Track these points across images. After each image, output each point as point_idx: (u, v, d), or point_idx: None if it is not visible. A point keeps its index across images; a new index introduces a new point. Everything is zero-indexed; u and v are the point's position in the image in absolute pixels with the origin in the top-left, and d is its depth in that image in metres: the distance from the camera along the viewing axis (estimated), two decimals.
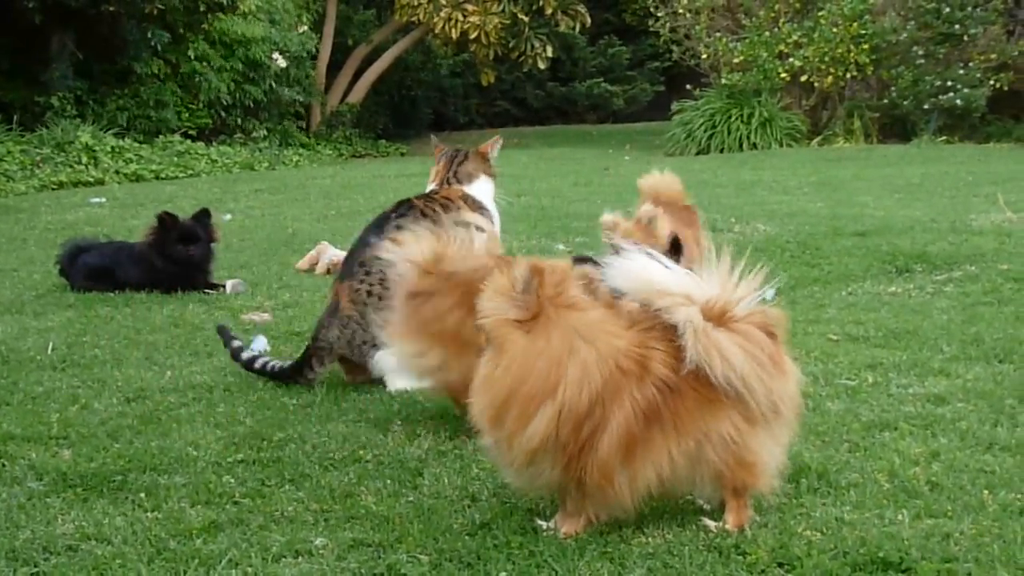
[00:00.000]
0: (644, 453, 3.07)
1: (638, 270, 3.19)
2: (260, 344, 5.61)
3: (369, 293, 4.81)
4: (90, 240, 7.87)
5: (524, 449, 3.04)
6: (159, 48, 18.14)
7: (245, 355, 5.07)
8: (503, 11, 22.12)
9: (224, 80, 18.96)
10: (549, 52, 23.24)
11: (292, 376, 4.87)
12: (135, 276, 7.24)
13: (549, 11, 22.47)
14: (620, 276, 3.20)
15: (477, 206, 5.25)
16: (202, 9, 18.53)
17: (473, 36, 22.12)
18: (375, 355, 4.77)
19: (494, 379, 3.07)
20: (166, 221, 7.27)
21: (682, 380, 3.08)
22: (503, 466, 3.21)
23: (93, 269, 7.33)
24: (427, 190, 5.43)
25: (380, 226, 5.04)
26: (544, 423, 3.00)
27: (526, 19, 22.54)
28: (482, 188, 5.37)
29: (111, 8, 16.55)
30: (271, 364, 4.96)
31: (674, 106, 19.79)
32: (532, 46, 22.96)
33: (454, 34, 22.19)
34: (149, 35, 17.93)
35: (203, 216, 7.38)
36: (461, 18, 21.88)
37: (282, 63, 19.96)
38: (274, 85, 20.00)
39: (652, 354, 3.09)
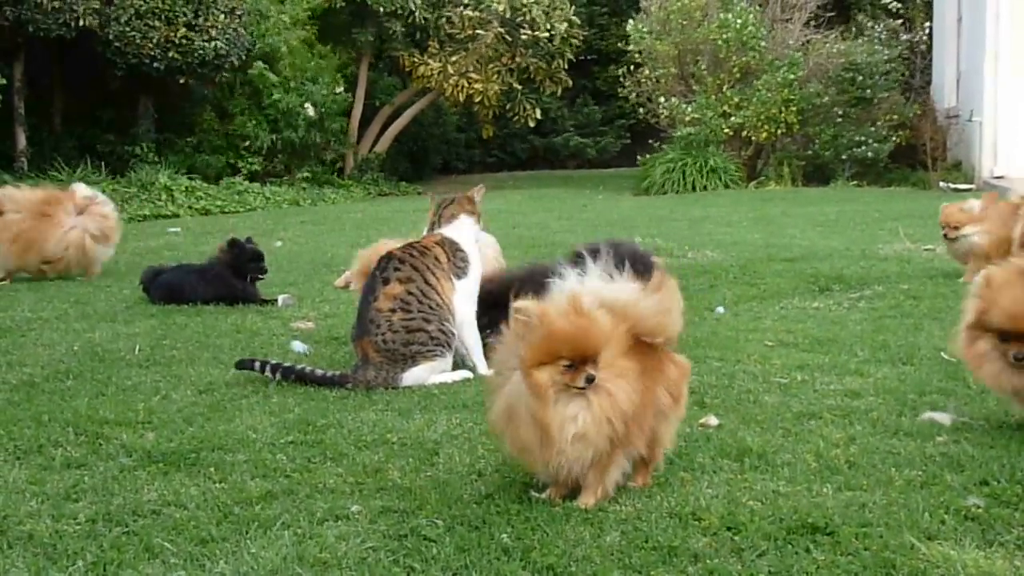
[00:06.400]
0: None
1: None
2: (300, 348, 5.60)
3: (384, 342, 4.82)
4: (166, 265, 7.77)
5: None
6: (215, 99, 18.38)
7: (285, 365, 4.98)
8: (501, 80, 22.13)
9: (264, 129, 18.94)
10: (538, 113, 23.19)
11: (334, 384, 4.81)
12: (201, 292, 7.16)
13: (538, 79, 22.48)
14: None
15: (453, 248, 5.04)
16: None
17: (477, 99, 22.08)
18: (402, 378, 4.83)
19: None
20: (237, 244, 7.27)
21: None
22: (542, 460, 3.12)
23: (168, 287, 7.26)
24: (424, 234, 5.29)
25: (371, 284, 5.00)
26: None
27: (519, 86, 22.53)
28: (462, 225, 5.13)
29: (184, 80, 16.61)
30: (316, 372, 4.89)
31: (641, 158, 19.85)
32: (524, 107, 22.94)
33: (461, 97, 22.12)
34: (216, 96, 18.17)
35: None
36: (467, 84, 21.84)
37: (311, 112, 19.86)
38: (308, 131, 19.92)
39: None
